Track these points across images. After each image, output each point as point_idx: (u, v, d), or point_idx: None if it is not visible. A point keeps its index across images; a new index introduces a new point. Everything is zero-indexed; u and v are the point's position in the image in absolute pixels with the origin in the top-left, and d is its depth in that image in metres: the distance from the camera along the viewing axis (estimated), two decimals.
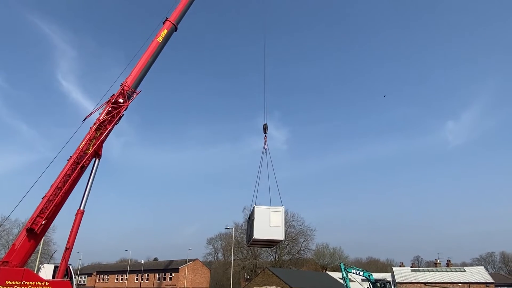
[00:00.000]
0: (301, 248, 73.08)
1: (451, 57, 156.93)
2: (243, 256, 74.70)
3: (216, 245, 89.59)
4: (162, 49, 21.14)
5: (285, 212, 17.24)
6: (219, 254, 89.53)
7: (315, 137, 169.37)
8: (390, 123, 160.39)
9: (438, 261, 62.76)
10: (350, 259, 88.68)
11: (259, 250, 75.57)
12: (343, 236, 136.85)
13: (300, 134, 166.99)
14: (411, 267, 63.61)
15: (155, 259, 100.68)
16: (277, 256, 73.60)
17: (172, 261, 77.70)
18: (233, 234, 63.52)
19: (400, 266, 63.91)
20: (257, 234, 16.25)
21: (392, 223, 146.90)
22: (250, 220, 17.48)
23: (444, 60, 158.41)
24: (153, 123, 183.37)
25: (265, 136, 20.07)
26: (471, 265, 74.26)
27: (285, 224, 17.96)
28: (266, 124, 20.67)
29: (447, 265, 61.45)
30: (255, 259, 72.18)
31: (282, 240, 17.21)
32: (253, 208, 16.96)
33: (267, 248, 73.72)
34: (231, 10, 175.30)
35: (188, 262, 73.70)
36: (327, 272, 66.75)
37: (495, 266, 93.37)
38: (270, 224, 16.43)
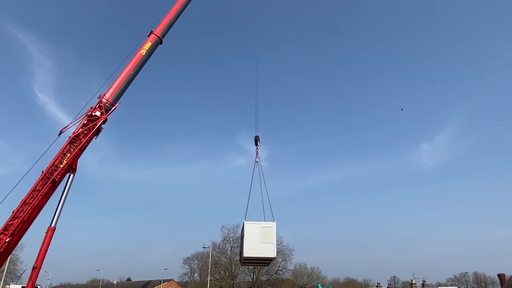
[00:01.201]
0: (279, 268, 72.24)
1: (425, 79, 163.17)
2: (220, 276, 73.10)
3: (192, 265, 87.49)
4: (145, 62, 20.87)
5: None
6: (196, 274, 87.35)
7: (294, 156, 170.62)
8: (367, 143, 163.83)
9: (414, 281, 63.33)
10: (328, 279, 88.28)
11: (236, 270, 74.22)
12: (321, 256, 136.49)
13: (280, 152, 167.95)
14: (387, 287, 63.83)
15: (129, 279, 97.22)
16: (254, 277, 72.40)
17: (148, 281, 75.23)
18: (210, 254, 62.39)
19: (377, 286, 64.07)
20: (247, 252, 15.57)
21: (369, 243, 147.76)
22: (241, 237, 16.77)
23: (419, 83, 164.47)
24: (131, 138, 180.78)
25: (257, 148, 19.56)
26: (446, 285, 75.51)
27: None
28: (257, 136, 20.06)
29: (423, 285, 62.04)
30: (232, 280, 70.73)
31: (274, 258, 16.37)
32: (243, 224, 16.36)
33: (257, 267, 72.67)
34: (214, 27, 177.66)
35: (163, 282, 71.54)
36: None
37: (469, 286, 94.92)
38: (261, 240, 15.77)
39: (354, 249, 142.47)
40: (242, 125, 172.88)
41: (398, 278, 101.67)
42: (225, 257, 74.47)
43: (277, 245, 16.82)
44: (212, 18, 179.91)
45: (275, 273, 72.60)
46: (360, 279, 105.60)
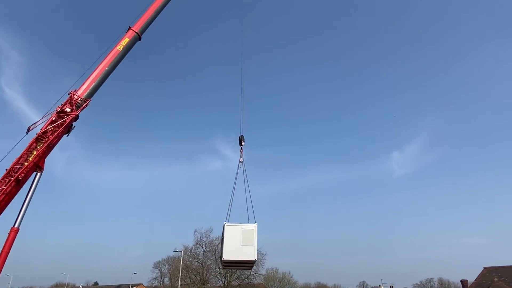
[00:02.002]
0: (251, 273, 71.91)
1: (400, 89, 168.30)
2: (191, 281, 72.01)
3: (163, 269, 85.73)
4: (122, 59, 20.29)
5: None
6: (166, 279, 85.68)
7: (268, 161, 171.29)
8: (340, 150, 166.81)
9: (382, 286, 64.95)
10: (299, 284, 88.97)
11: (207, 274, 73.36)
12: (292, 260, 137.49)
13: (255, 156, 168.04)
14: None
15: (96, 283, 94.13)
16: (226, 281, 71.78)
17: (117, 286, 73.13)
18: (181, 258, 61.37)
19: None
20: (227, 255, 15.13)
21: (339, 248, 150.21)
22: (221, 239, 16.25)
23: (394, 93, 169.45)
24: (103, 138, 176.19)
25: (241, 148, 19.28)
26: None
27: None
28: (242, 136, 19.81)
29: None
30: (204, 284, 69.85)
31: (255, 261, 15.88)
32: (224, 226, 15.84)
33: (229, 271, 71.91)
34: (193, 28, 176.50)
35: (132, 287, 69.60)
36: None
37: None
38: (241, 243, 15.27)
39: (325, 254, 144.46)
40: (218, 128, 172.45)
41: (367, 283, 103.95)
42: (197, 261, 73.53)
43: None
44: (189, 17, 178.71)
45: (246, 278, 72.24)
46: (330, 283, 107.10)
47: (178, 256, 68.32)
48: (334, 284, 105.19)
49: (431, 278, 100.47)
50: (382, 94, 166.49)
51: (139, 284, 73.01)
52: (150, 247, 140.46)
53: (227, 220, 16.14)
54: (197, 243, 73.71)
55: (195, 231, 74.48)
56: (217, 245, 74.39)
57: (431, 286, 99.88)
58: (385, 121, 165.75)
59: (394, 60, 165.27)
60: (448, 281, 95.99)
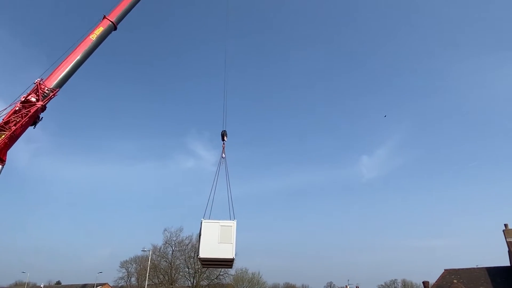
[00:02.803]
0: (221, 273, 71.60)
1: (374, 92, 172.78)
2: (158, 281, 70.76)
3: (130, 269, 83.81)
4: (95, 48, 19.50)
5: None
6: (133, 279, 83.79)
7: (241, 162, 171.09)
8: (311, 153, 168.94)
9: (348, 287, 66.49)
10: (268, 285, 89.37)
11: (176, 274, 72.36)
12: (262, 261, 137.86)
13: (229, 156, 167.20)
14: None
15: (58, 282, 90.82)
16: (194, 281, 71.07)
17: (82, 285, 70.86)
18: (149, 257, 60.11)
19: None
20: (203, 253, 14.62)
21: (308, 249, 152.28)
22: (198, 236, 15.77)
23: (366, 99, 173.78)
24: (71, 132, 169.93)
25: (223, 143, 18.74)
26: None
27: None
28: (224, 131, 19.21)
29: None
30: (171, 284, 68.83)
31: (233, 259, 15.28)
32: (201, 222, 15.25)
33: (199, 271, 71.07)
34: (171, 17, 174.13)
35: (97, 286, 67.60)
36: None
37: None
38: (219, 240, 14.75)
39: (294, 255, 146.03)
40: (191, 126, 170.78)
41: (334, 284, 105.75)
42: (166, 261, 72.36)
43: None
44: (163, 7, 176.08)
45: (216, 278, 71.89)
46: (299, 284, 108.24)
47: (146, 256, 66.96)
48: (303, 285, 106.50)
49: (395, 279, 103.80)
50: (354, 98, 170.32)
51: (104, 284, 70.98)
52: (117, 247, 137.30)
53: (205, 217, 15.62)
54: (166, 242, 72.61)
55: (165, 230, 73.37)
56: (187, 244, 73.57)
57: (395, 287, 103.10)
58: (357, 124, 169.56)
59: (368, 64, 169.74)
60: (411, 283, 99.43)
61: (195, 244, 72.58)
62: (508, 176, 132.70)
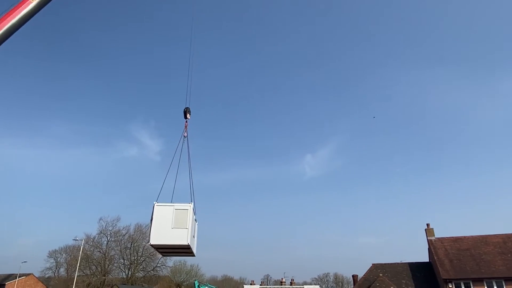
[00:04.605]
0: (158, 265, 70.40)
1: (318, 96, 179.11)
2: (90, 272, 67.63)
3: (59, 259, 79.08)
4: (34, 14, 17.35)
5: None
6: (62, 269, 79.16)
7: (185, 153, 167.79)
8: (258, 149, 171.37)
9: (284, 280, 68.95)
10: (206, 277, 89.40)
11: (110, 265, 69.78)
12: (201, 254, 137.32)
13: (174, 147, 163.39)
14: (260, 285, 67.66)
15: None
16: (130, 273, 69.08)
17: (7, 275, 65.41)
18: (81, 247, 57.09)
19: (251, 284, 67.26)
20: (154, 239, 13.29)
21: (247, 243, 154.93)
22: (150, 221, 14.38)
23: (313, 99, 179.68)
24: (2, 109, 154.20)
25: (186, 122, 17.53)
26: (310, 283, 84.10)
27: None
28: (188, 108, 17.97)
29: (291, 283, 67.55)
30: (104, 276, 66.16)
31: (188, 246, 13.73)
32: (153, 206, 13.88)
33: (135, 263, 68.78)
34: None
35: (20, 277, 62.88)
36: None
37: (329, 286, 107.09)
38: (172, 225, 13.48)
39: (232, 249, 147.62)
40: (138, 113, 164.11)
41: (270, 277, 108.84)
42: (99, 251, 69.39)
43: None
44: None
45: (152, 270, 70.52)
46: (236, 277, 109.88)
47: (78, 246, 63.53)
48: (240, 277, 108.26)
49: (327, 273, 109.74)
50: (303, 101, 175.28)
51: (28, 274, 66.10)
52: (46, 236, 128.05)
53: (158, 200, 14.20)
54: (101, 232, 69.58)
55: (100, 219, 70.26)
56: (124, 235, 71.22)
57: (327, 280, 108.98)
58: (305, 125, 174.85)
59: (318, 67, 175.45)
60: (342, 276, 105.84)
61: (125, 235, 70.73)
62: (430, 182, 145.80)
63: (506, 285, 28.54)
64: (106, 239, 70.01)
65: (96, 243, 69.82)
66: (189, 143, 16.59)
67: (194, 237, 14.56)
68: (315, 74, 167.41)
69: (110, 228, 69.80)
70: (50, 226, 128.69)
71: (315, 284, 76.92)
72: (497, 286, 28.77)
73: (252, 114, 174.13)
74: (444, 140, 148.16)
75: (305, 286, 65.19)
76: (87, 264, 67.39)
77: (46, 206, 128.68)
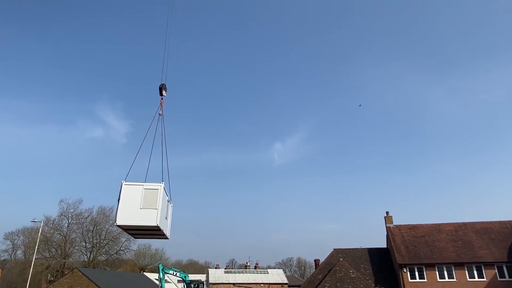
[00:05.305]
0: (121, 248, 69.21)
1: (290, 83, 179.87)
2: (50, 255, 65.48)
3: (16, 241, 75.92)
4: None
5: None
6: (19, 252, 76.15)
7: (160, 135, 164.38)
8: (230, 136, 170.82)
9: (248, 264, 70.18)
10: (171, 261, 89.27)
11: (70, 248, 67.85)
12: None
13: (142, 130, 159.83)
14: (225, 269, 68.41)
15: None
16: (91, 256, 67.54)
17: None
18: (40, 229, 54.91)
19: (216, 268, 67.88)
20: (121, 219, 12.55)
21: (213, 227, 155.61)
22: (117, 201, 13.63)
23: (282, 86, 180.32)
24: None
25: (162, 99, 16.80)
26: (274, 268, 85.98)
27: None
28: (164, 84, 17.21)
29: (255, 267, 68.99)
30: (64, 258, 64.31)
31: (157, 227, 13.01)
32: (121, 185, 13.16)
33: (98, 245, 66.89)
34: None
35: None
36: (144, 273, 65.09)
37: (292, 270, 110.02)
38: (141, 205, 12.82)
39: (197, 232, 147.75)
40: (103, 92, 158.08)
41: (235, 261, 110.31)
42: (60, 234, 67.16)
43: None
44: None
45: (115, 253, 69.29)
46: (202, 261, 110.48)
47: (37, 227, 61.09)
48: (205, 261, 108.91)
49: (291, 258, 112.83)
50: (275, 89, 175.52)
51: None
52: (2, 217, 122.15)
53: (127, 179, 13.41)
54: (62, 214, 67.15)
55: (61, 201, 67.71)
56: (86, 218, 69.22)
57: (290, 264, 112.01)
58: (272, 113, 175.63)
59: (290, 57, 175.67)
60: (305, 260, 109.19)
61: (87, 217, 68.87)
62: (391, 173, 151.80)
63: (455, 270, 30.53)
64: (67, 222, 67.83)
65: (56, 225, 67.49)
66: (158, 125, 16.00)
67: (166, 218, 14.09)
68: (288, 59, 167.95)
69: (72, 211, 67.60)
70: (6, 207, 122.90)
71: (278, 268, 78.62)
72: (447, 271, 30.68)
73: (224, 99, 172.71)
74: (405, 134, 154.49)
75: (269, 270, 66.79)
76: (46, 247, 65.14)
77: (1, 186, 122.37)
